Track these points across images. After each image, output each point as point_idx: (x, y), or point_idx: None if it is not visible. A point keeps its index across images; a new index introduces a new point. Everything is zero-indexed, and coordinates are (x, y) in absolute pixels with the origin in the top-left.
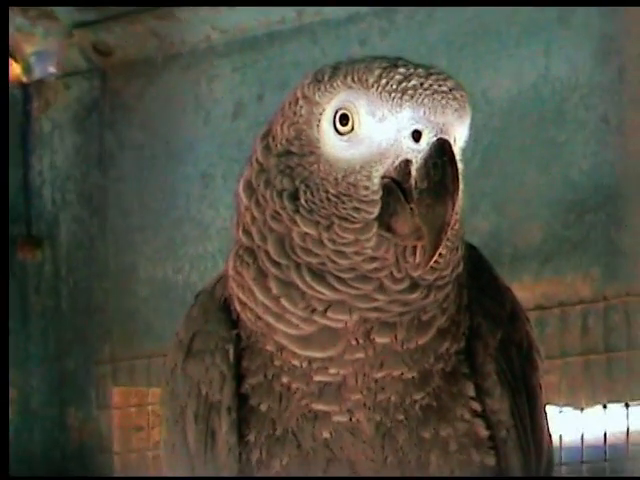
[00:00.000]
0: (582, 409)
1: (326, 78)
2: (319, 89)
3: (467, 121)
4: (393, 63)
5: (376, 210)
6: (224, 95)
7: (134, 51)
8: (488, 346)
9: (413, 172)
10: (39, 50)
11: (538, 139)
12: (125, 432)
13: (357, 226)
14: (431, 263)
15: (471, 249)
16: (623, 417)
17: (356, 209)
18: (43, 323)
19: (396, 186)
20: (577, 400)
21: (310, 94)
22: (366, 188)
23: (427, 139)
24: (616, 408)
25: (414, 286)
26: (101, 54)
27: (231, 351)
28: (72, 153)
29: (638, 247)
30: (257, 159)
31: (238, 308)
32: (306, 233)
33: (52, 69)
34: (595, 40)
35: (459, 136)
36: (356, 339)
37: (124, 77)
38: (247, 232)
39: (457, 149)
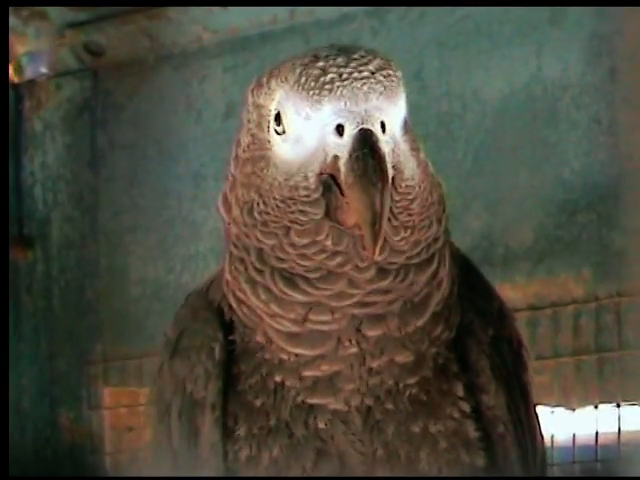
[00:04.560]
0: (574, 409)
1: (265, 80)
2: (263, 92)
3: (398, 100)
4: (315, 56)
5: (321, 210)
6: (216, 95)
7: (125, 51)
8: (481, 342)
9: (341, 167)
10: (31, 50)
11: (530, 139)
12: (116, 432)
13: (308, 227)
14: (377, 253)
15: (455, 248)
16: (615, 417)
17: (302, 212)
18: (34, 323)
19: (333, 181)
20: (569, 400)
21: (257, 98)
22: (305, 188)
23: (349, 132)
24: (608, 408)
25: (382, 271)
26: (92, 54)
27: (217, 349)
28: (63, 153)
29: (630, 247)
30: (230, 172)
31: (234, 305)
32: (273, 244)
33: (44, 69)
34: (587, 40)
35: (391, 118)
36: (348, 337)
37: (115, 77)
38: (234, 243)
39: (389, 132)
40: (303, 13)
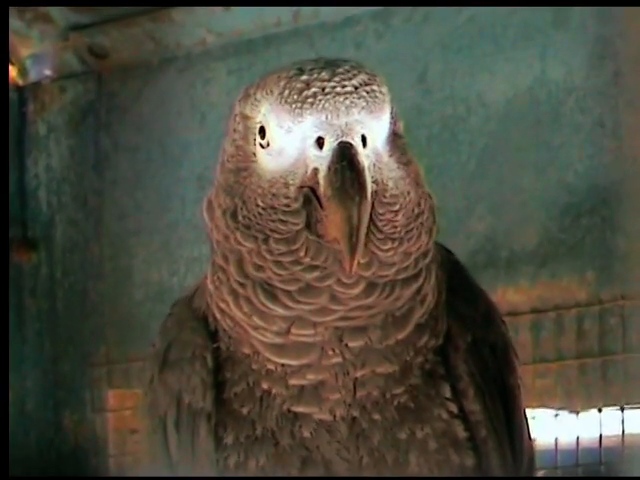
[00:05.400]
0: (577, 412)
1: (252, 92)
2: (250, 103)
3: (382, 115)
4: (300, 69)
5: (300, 220)
6: (220, 98)
7: (130, 54)
8: (458, 348)
9: (320, 180)
10: (35, 53)
11: (534, 142)
12: (120, 435)
13: (286, 236)
14: (354, 266)
15: (445, 252)
16: (618, 420)
17: (281, 221)
18: (38, 326)
19: (313, 194)
20: (572, 403)
21: (243, 109)
22: (286, 197)
23: (329, 145)
24: (611, 411)
25: (371, 286)
26: (97, 57)
27: (209, 358)
28: (67, 156)
29: (633, 250)
30: (216, 177)
31: (218, 316)
32: (251, 248)
33: (48, 72)
34: (591, 43)
35: (372, 132)
36: (332, 347)
37: (120, 80)
38: (215, 251)
39: (370, 146)
40: (307, 16)
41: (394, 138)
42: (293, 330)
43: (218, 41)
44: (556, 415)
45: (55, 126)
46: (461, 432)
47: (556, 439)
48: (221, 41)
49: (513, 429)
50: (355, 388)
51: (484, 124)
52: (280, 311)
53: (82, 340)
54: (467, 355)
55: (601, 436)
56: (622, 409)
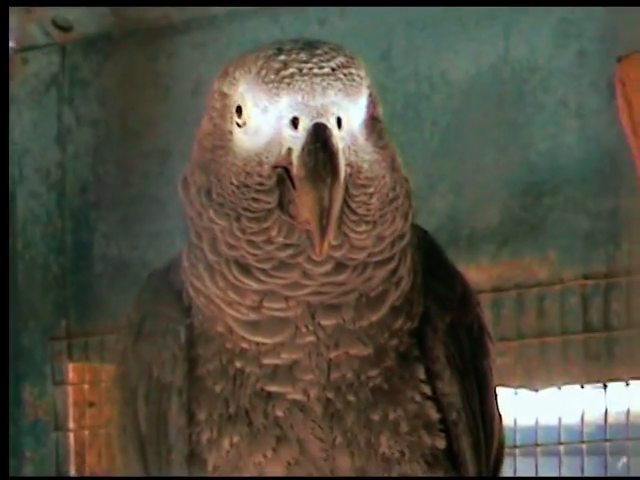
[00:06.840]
0: (537, 391)
1: (231, 70)
2: (228, 81)
3: (358, 97)
4: (279, 49)
5: (273, 199)
6: (183, 72)
7: (93, 27)
8: (437, 329)
9: (294, 160)
10: None
11: (497, 121)
12: (79, 408)
13: (258, 215)
14: (324, 248)
15: (422, 232)
16: (578, 399)
17: (254, 199)
18: None
19: (286, 174)
20: (532, 382)
21: (221, 87)
22: (259, 175)
23: (304, 125)
24: (571, 390)
25: (340, 266)
26: (60, 29)
27: (182, 332)
28: (30, 128)
29: (595, 230)
30: (193, 154)
31: (192, 294)
32: (224, 227)
33: (11, 44)
34: (555, 23)
35: (348, 115)
36: (305, 325)
37: (83, 53)
38: (190, 229)
39: (346, 128)
40: None
41: (371, 122)
42: (265, 303)
43: (182, 15)
44: (515, 393)
45: (17, 98)
46: (433, 414)
47: (515, 418)
48: (184, 15)
49: (485, 411)
50: (329, 370)
51: (447, 102)
52: (254, 285)
53: (43, 313)
54: (445, 337)
55: (560, 415)
56: (582, 387)
